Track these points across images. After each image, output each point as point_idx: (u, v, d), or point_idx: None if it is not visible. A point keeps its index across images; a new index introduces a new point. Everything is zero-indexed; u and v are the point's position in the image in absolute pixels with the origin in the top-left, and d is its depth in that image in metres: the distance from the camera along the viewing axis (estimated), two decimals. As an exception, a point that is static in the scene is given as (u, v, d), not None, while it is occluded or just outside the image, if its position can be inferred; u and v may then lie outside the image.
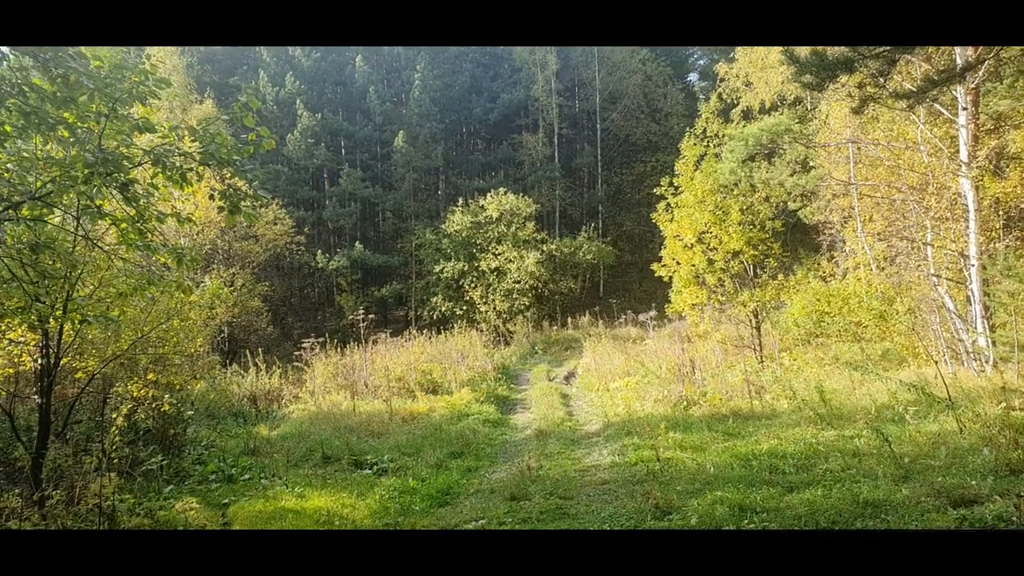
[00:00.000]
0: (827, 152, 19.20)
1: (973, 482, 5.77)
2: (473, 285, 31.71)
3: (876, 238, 19.04)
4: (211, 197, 5.27)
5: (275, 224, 27.58)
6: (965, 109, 12.88)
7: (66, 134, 4.86)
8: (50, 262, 5.32)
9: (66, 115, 4.98)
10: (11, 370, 7.94)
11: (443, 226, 33.46)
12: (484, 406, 14.09)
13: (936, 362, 10.40)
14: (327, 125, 36.26)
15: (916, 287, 16.02)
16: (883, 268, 18.97)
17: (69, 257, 4.59)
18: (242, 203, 5.17)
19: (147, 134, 5.27)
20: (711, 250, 17.03)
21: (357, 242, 34.48)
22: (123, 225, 5.44)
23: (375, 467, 9.59)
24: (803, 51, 6.18)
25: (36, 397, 7.56)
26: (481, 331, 27.13)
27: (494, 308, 30.89)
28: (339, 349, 18.34)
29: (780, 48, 6.79)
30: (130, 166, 4.72)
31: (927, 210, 14.61)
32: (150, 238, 5.46)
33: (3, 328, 7.25)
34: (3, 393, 7.75)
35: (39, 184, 5.09)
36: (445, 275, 32.15)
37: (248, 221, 5.41)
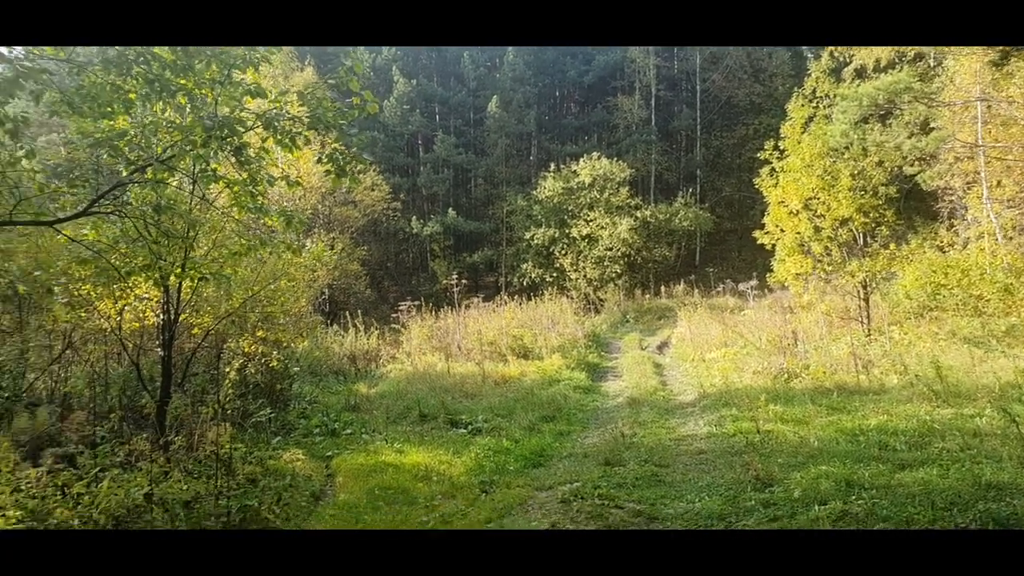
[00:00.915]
0: (951, 112, 17.78)
1: (1113, 470, 5.30)
2: (564, 252, 31.55)
3: (1004, 205, 17.60)
4: (318, 160, 5.41)
5: (372, 190, 28.30)
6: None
7: (184, 100, 5.09)
8: (171, 223, 5.63)
9: (184, 82, 5.22)
10: (137, 324, 8.53)
11: (534, 192, 33.35)
12: (575, 372, 14.09)
13: None
14: (422, 91, 36.67)
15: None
16: (1010, 238, 17.56)
17: (189, 217, 4.83)
18: (348, 166, 5.28)
19: (257, 100, 5.44)
20: (818, 217, 16.19)
21: (450, 208, 34.93)
22: (236, 188, 5.68)
23: (470, 427, 9.79)
24: None
25: (159, 350, 8.11)
26: (571, 298, 27.05)
27: (585, 275, 30.67)
28: (433, 313, 18.75)
29: None
30: (243, 130, 4.90)
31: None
32: (261, 200, 5.67)
33: (130, 285, 7.79)
34: (131, 345, 8.34)
35: (159, 149, 5.38)
36: (536, 242, 32.12)
37: (352, 184, 5.53)
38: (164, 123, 5.00)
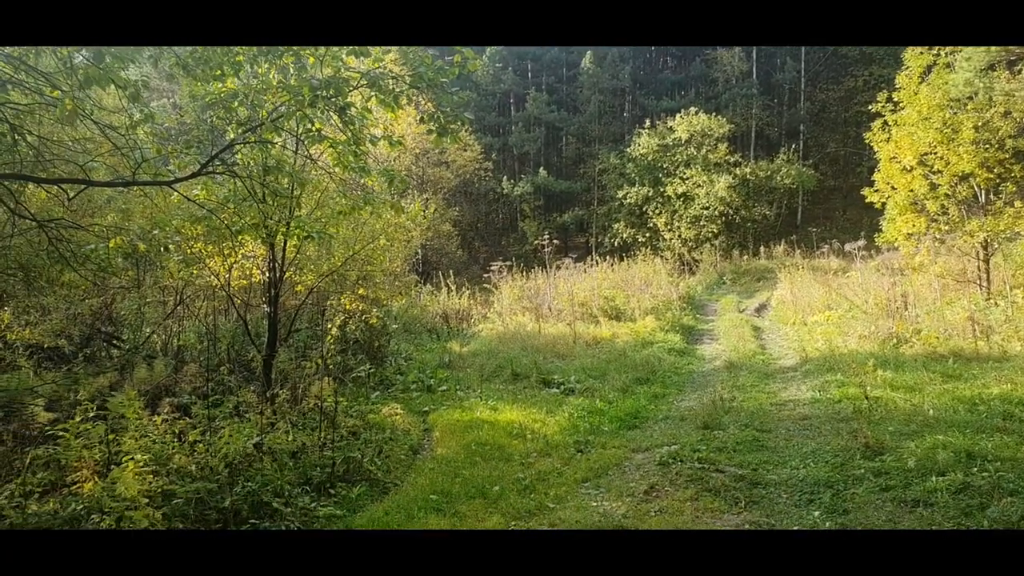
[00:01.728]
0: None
1: None
2: (658, 211, 30.83)
3: None
4: (421, 120, 5.42)
5: (465, 150, 28.44)
6: None
7: (291, 59, 5.19)
8: (277, 182, 5.81)
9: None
10: (244, 282, 8.96)
11: (628, 150, 32.62)
12: (669, 335, 13.83)
13: None
14: (513, 49, 36.30)
15: None
16: None
17: (298, 176, 4.96)
18: (449, 125, 5.27)
19: (360, 59, 5.49)
20: (934, 173, 15.07)
21: (541, 168, 34.69)
22: (339, 148, 5.79)
23: (562, 387, 9.81)
24: None
25: (265, 306, 8.50)
26: (665, 259, 26.50)
27: (679, 236, 29.91)
28: (524, 273, 18.79)
29: None
30: (349, 89, 4.95)
31: None
32: (363, 160, 5.75)
33: (239, 243, 8.15)
34: (239, 302, 8.77)
35: (264, 113, 5.52)
36: (628, 201, 31.52)
37: (453, 143, 5.52)
38: (273, 84, 5.10)
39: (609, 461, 6.33)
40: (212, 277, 8.13)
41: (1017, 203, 15.14)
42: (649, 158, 31.23)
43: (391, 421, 7.77)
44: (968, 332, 10.83)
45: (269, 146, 5.61)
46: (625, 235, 31.65)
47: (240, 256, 8.26)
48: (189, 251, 7.67)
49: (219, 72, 5.63)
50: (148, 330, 9.49)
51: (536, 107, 35.26)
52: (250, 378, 8.48)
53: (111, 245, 5.22)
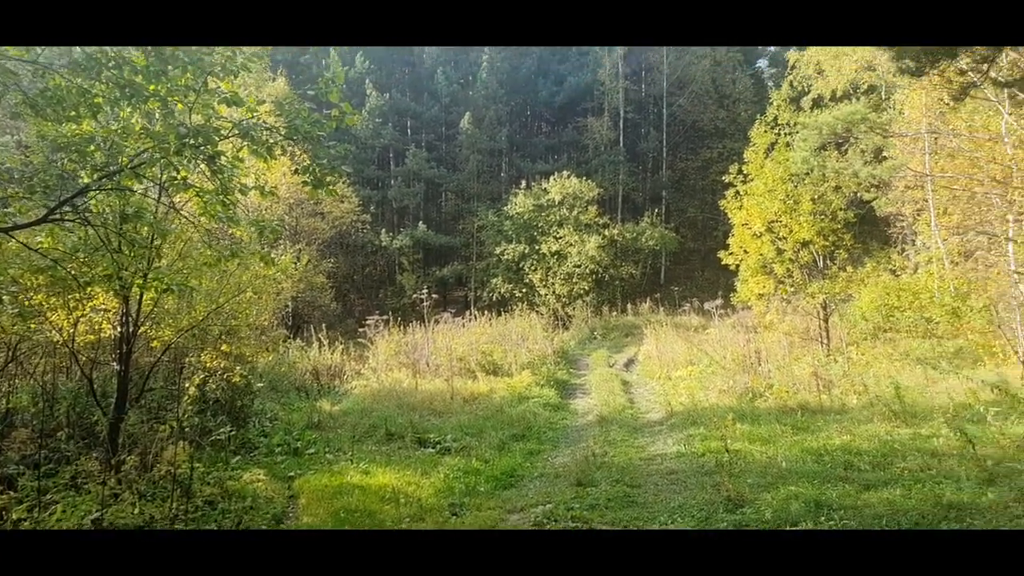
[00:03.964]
0: (902, 142, 18.29)
1: (1070, 491, 5.40)
2: (533, 268, 31.64)
3: (951, 232, 18.14)
4: (296, 171, 5.30)
5: (342, 202, 27.97)
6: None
7: (157, 106, 4.94)
8: (137, 232, 5.44)
9: (156, 88, 5.07)
10: (92, 337, 8.22)
11: (505, 208, 33.43)
12: (544, 390, 14.02)
13: None
14: (395, 105, 36.58)
15: (992, 284, 15.21)
16: (956, 263, 18.08)
17: (160, 226, 4.66)
18: (325, 178, 5.18)
19: (232, 108, 5.32)
20: (780, 239, 16.50)
21: (420, 222, 34.76)
22: (206, 197, 5.53)
23: (438, 446, 9.64)
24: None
25: (114, 364, 7.81)
26: (540, 314, 27.06)
27: (553, 292, 30.76)
28: (401, 327, 18.52)
29: None
30: (219, 138, 4.77)
31: (1010, 204, 13.77)
32: (232, 210, 5.52)
33: (87, 295, 7.50)
34: (83, 359, 8.03)
35: (125, 160, 5.21)
36: (506, 257, 32.16)
37: (330, 195, 5.41)
38: (137, 129, 4.82)
39: (484, 524, 6.23)
40: (54, 332, 7.40)
41: (849, 268, 16.81)
42: (525, 217, 32.15)
43: (253, 488, 7.29)
44: (813, 386, 11.72)
45: (128, 193, 5.27)
46: (503, 290, 32.13)
47: (88, 309, 7.59)
48: (27, 303, 6.96)
49: (74, 113, 5.29)
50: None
51: (416, 163, 35.51)
52: (93, 444, 7.71)
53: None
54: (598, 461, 8.12)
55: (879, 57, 20.24)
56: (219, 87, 5.36)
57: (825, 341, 15.61)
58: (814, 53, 25.46)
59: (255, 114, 5.31)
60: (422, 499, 7.15)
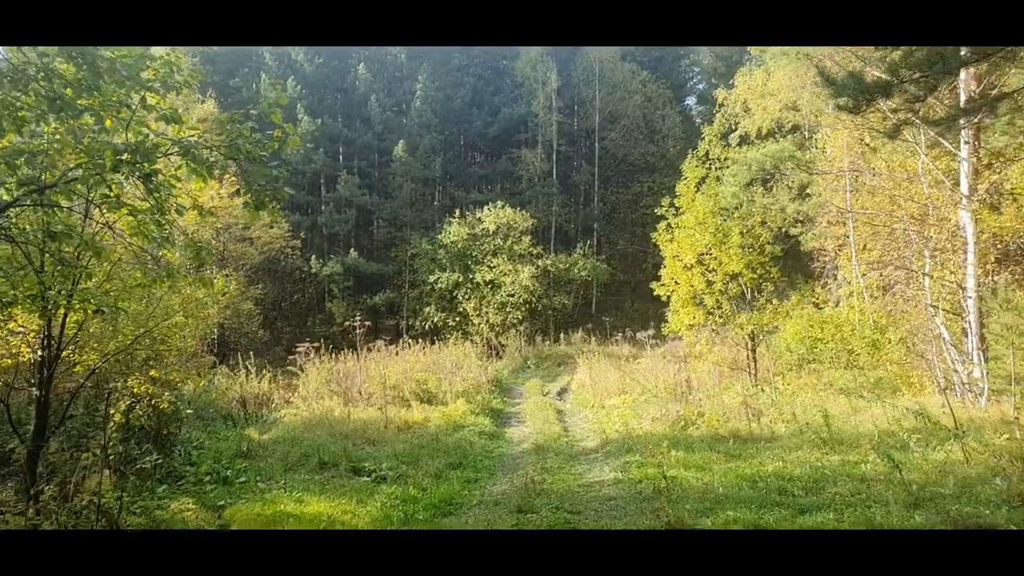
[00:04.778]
0: (825, 180, 19.34)
1: (987, 511, 5.75)
2: (467, 297, 31.65)
3: (870, 267, 19.18)
4: (238, 191, 5.20)
5: (271, 227, 27.38)
6: (967, 143, 13.03)
7: (91, 121, 4.78)
8: (66, 250, 5.20)
9: (88, 102, 4.90)
10: (9, 361, 7.75)
11: (439, 236, 33.42)
12: (479, 418, 13.97)
13: (946, 391, 10.40)
14: (327, 131, 36.22)
15: (909, 317, 16.13)
16: (876, 297, 19.09)
17: (95, 244, 4.47)
18: (268, 198, 5.09)
19: (171, 126, 5.19)
20: (710, 271, 17.09)
21: (352, 249, 34.33)
22: (139, 217, 5.35)
23: (373, 474, 9.45)
24: (838, 73, 6.23)
25: (34, 390, 7.38)
26: (474, 343, 27.02)
27: (487, 321, 30.81)
28: (332, 355, 18.15)
29: (816, 70, 6.81)
30: (159, 155, 4.64)
31: (927, 240, 14.72)
32: (168, 231, 5.37)
33: (2, 318, 7.09)
34: (0, 383, 7.55)
35: (50, 175, 5.00)
36: (439, 286, 32.08)
37: (271, 218, 5.33)
38: (71, 144, 4.64)
39: (425, 550, 6.13)
40: (-34, 355, 6.95)
41: (775, 300, 17.53)
42: (459, 246, 32.22)
43: (182, 518, 6.99)
44: (742, 415, 12.09)
45: (55, 210, 5.05)
46: (436, 319, 31.97)
47: (6, 332, 7.16)
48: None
49: (-4, 127, 5.05)
50: None
51: (347, 189, 35.16)
52: (10, 474, 7.23)
53: None
54: (537, 488, 8.13)
55: (802, 97, 21.43)
56: (155, 104, 5.23)
57: (753, 371, 16.17)
58: (742, 92, 26.67)
59: (196, 132, 5.20)
60: (359, 528, 6.98)
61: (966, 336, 13.09)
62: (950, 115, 7.51)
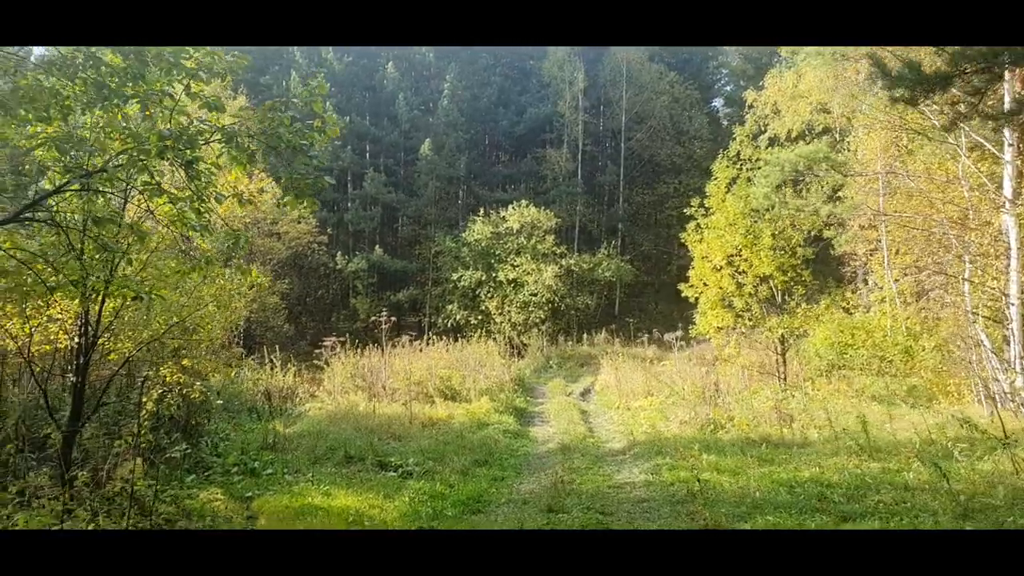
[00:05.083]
0: (857, 183, 18.98)
1: (1041, 523, 5.55)
2: (490, 295, 31.59)
3: (903, 272, 18.82)
4: (278, 179, 5.16)
5: (299, 222, 27.55)
6: (1011, 145, 12.70)
7: (137, 108, 4.78)
8: (108, 236, 5.20)
9: (135, 89, 4.90)
10: (48, 347, 7.82)
11: (463, 234, 33.41)
12: (503, 416, 13.90)
13: (994, 399, 10.10)
14: (354, 128, 36.40)
15: (945, 324, 15.76)
16: (908, 303, 18.72)
17: (140, 229, 4.45)
18: (309, 186, 5.06)
19: (212, 113, 5.17)
20: (740, 273, 16.86)
21: (377, 246, 34.46)
22: (178, 204, 5.34)
23: (400, 469, 9.42)
24: (894, 63, 6.05)
25: (70, 376, 7.43)
26: (496, 342, 26.96)
27: (509, 319, 30.73)
28: (357, 351, 18.19)
29: (869, 60, 6.63)
30: (202, 141, 4.62)
31: (967, 245, 14.37)
32: (207, 219, 5.35)
33: (43, 305, 7.15)
34: (38, 369, 7.61)
35: (100, 161, 5.00)
36: (462, 283, 32.06)
37: (312, 208, 5.30)
38: (119, 130, 4.63)
39: (457, 547, 6.07)
40: (7, 340, 7.00)
41: (804, 304, 17.26)
42: (483, 244, 32.17)
43: (211, 508, 6.99)
44: (774, 420, 11.88)
45: (102, 195, 5.05)
46: (458, 316, 31.96)
47: (45, 318, 7.21)
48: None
49: (45, 114, 5.07)
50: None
51: (374, 187, 35.30)
52: (44, 459, 7.29)
53: None
54: (567, 488, 8.03)
55: (834, 100, 21.09)
56: (200, 91, 5.22)
57: (782, 375, 15.92)
58: (772, 94, 26.30)
59: (235, 121, 5.17)
60: (387, 522, 6.95)
61: (1008, 344, 12.75)
62: (1012, 109, 7.27)
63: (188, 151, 4.71)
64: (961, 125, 8.14)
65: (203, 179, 5.07)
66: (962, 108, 6.17)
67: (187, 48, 4.97)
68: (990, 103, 7.08)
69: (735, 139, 18.56)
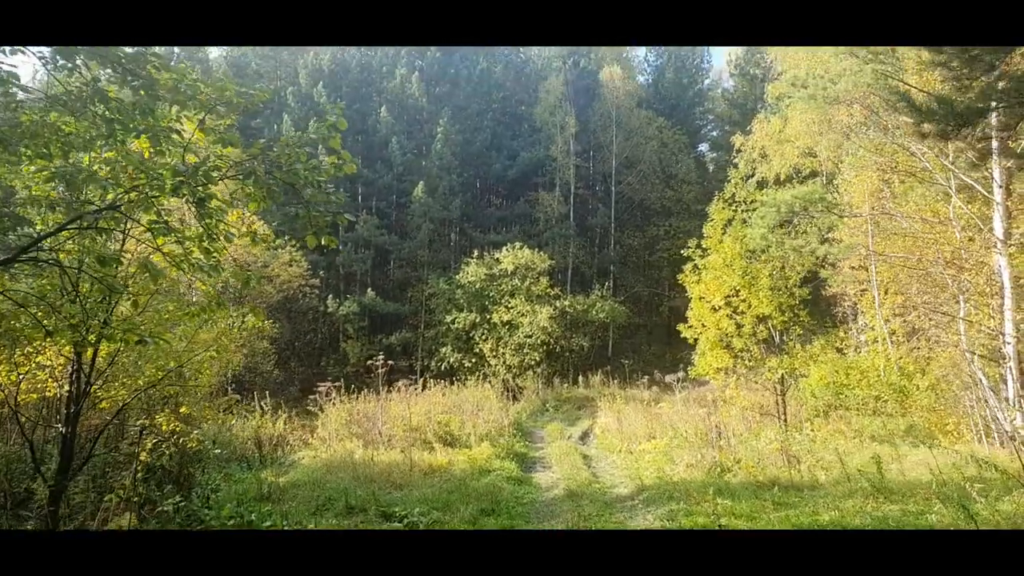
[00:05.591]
0: (847, 225, 19.08)
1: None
2: (484, 337, 31.31)
3: (894, 312, 18.85)
4: (296, 215, 5.00)
5: (290, 266, 27.33)
6: (1001, 187, 12.82)
7: (147, 144, 4.62)
8: (111, 276, 4.98)
9: (145, 124, 4.76)
10: (35, 396, 7.52)
11: (456, 276, 33.29)
12: (505, 462, 13.53)
13: (1013, 438, 9.94)
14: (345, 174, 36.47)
15: (937, 362, 15.71)
16: (899, 343, 18.71)
17: (152, 267, 4.25)
18: (326, 225, 4.90)
19: (227, 148, 5.03)
20: (738, 313, 16.79)
21: (369, 288, 34.23)
22: (186, 244, 5.16)
23: (404, 520, 9.06)
24: (920, 97, 6.05)
25: (59, 426, 7.11)
26: (491, 385, 26.62)
27: (504, 362, 30.41)
28: (350, 395, 17.83)
29: (897, 97, 6.62)
30: (218, 177, 4.46)
31: (962, 285, 14.40)
32: (216, 259, 5.16)
33: (31, 351, 6.87)
34: (24, 420, 7.29)
35: (101, 196, 4.83)
36: (456, 326, 31.80)
37: (328, 245, 5.13)
38: (134, 162, 4.46)
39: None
40: (-6, 389, 6.70)
41: (799, 345, 17.16)
42: (476, 286, 32.04)
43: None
44: (780, 461, 11.64)
45: (105, 234, 4.86)
46: (452, 359, 31.62)
47: (34, 365, 6.93)
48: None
49: (45, 150, 4.91)
50: None
51: (366, 229, 35.26)
52: (26, 517, 6.92)
53: None
54: (581, 537, 7.72)
55: (820, 143, 21.37)
56: (211, 126, 5.09)
57: (783, 416, 15.72)
58: (759, 138, 26.70)
59: (248, 157, 5.03)
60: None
61: (1004, 383, 12.68)
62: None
63: (200, 188, 4.54)
64: (980, 164, 8.14)
65: (214, 217, 4.90)
66: (995, 143, 6.14)
67: (201, 82, 4.86)
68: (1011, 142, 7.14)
69: (730, 181, 18.69)
